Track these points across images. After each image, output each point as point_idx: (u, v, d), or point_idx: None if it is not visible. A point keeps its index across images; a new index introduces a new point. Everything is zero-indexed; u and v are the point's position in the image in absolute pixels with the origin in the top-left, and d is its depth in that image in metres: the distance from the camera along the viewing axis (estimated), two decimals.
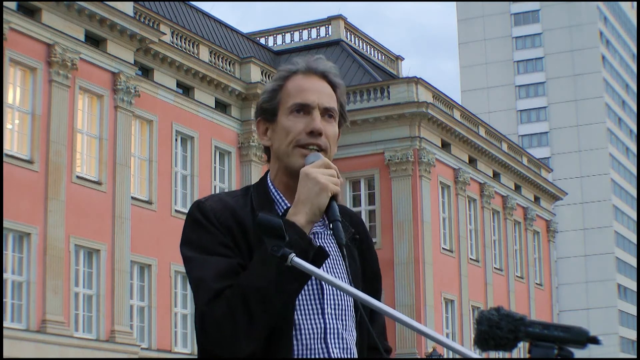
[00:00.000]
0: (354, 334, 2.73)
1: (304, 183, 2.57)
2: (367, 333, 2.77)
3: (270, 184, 2.77)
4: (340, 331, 2.67)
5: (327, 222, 2.73)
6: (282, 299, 2.51)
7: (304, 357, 2.62)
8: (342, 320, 2.69)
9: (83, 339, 27.36)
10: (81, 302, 27.90)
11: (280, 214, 2.70)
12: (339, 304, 2.69)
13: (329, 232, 2.75)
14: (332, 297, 2.68)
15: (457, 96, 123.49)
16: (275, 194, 2.75)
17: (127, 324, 28.88)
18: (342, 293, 2.69)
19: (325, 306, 2.66)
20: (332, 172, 2.60)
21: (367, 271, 2.83)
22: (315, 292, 2.66)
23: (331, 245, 2.74)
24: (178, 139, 33.24)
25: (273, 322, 2.54)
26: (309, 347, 2.62)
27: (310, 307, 2.65)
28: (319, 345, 2.63)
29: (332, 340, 2.65)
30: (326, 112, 2.74)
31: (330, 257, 2.70)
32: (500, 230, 46.79)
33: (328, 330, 2.65)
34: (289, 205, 2.71)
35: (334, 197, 2.58)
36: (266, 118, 2.78)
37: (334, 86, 2.78)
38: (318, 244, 2.55)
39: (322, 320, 2.65)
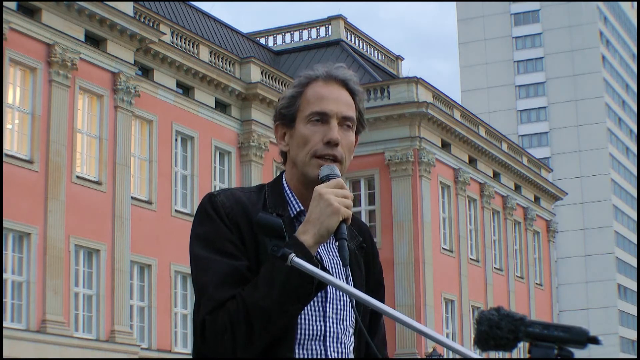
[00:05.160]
0: (352, 339, 2.75)
1: (316, 203, 2.56)
2: (365, 343, 2.79)
3: (285, 185, 2.78)
4: (339, 335, 2.70)
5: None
6: (284, 320, 2.53)
7: (301, 358, 2.64)
8: (342, 325, 2.71)
9: (83, 339, 27.36)
10: (81, 302, 27.90)
11: (293, 215, 2.73)
12: (340, 309, 2.71)
13: (335, 241, 2.75)
14: (334, 301, 2.70)
15: (457, 96, 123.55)
16: (290, 195, 2.76)
17: (127, 324, 28.88)
18: (344, 298, 2.71)
19: (327, 310, 2.68)
20: (346, 194, 2.58)
21: (370, 280, 2.84)
22: (319, 295, 2.67)
23: (336, 254, 2.75)
24: (178, 139, 33.24)
25: (273, 338, 2.56)
26: (306, 347, 2.64)
27: (312, 309, 2.66)
28: (318, 347, 2.65)
29: (331, 344, 2.67)
30: (344, 122, 2.73)
31: (335, 265, 2.74)
32: (500, 230, 46.79)
33: (328, 334, 2.67)
34: (302, 208, 2.73)
35: (344, 221, 2.57)
36: (284, 123, 2.78)
37: (353, 94, 2.78)
38: (323, 269, 2.53)
39: (322, 323, 2.67)
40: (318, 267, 2.48)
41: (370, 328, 2.80)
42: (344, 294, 2.71)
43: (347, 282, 2.67)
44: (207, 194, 2.72)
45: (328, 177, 2.64)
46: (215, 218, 2.64)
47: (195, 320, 2.62)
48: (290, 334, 2.60)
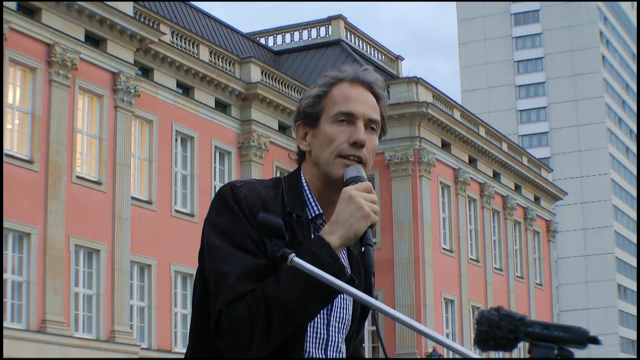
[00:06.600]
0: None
1: (345, 204, 2.52)
2: (348, 344, 2.78)
3: (305, 184, 2.73)
4: (339, 343, 2.71)
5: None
6: (303, 317, 2.51)
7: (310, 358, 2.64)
8: (342, 334, 2.72)
9: (83, 339, 27.37)
10: (81, 302, 27.91)
11: (310, 217, 2.68)
12: (343, 317, 2.71)
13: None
14: (339, 310, 2.70)
15: (457, 96, 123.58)
16: (310, 196, 2.71)
17: (127, 324, 28.88)
18: (347, 307, 2.72)
19: (332, 318, 2.69)
20: (374, 199, 2.56)
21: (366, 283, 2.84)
22: None
23: (342, 256, 2.72)
24: (178, 139, 33.25)
25: (288, 335, 2.54)
26: (309, 354, 2.64)
27: (318, 317, 2.65)
28: (319, 354, 2.66)
29: (332, 351, 2.68)
30: (369, 124, 2.70)
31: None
32: (500, 230, 46.80)
33: (330, 342, 2.68)
34: (320, 211, 2.69)
35: (370, 226, 2.55)
36: (307, 123, 2.74)
37: (378, 98, 2.75)
38: (350, 273, 2.52)
39: (326, 331, 2.67)
40: (345, 270, 2.47)
41: (357, 329, 2.81)
42: (347, 304, 2.71)
43: (371, 290, 2.62)
44: (229, 184, 2.65)
45: (355, 179, 2.60)
46: (237, 211, 2.58)
47: (208, 310, 2.56)
48: (300, 340, 2.60)
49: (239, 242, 2.55)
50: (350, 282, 2.47)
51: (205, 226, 2.64)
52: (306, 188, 2.72)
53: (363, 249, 2.55)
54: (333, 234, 2.51)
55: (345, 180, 2.62)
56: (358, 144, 2.66)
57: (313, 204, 2.70)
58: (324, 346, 2.66)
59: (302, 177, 2.74)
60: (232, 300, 2.48)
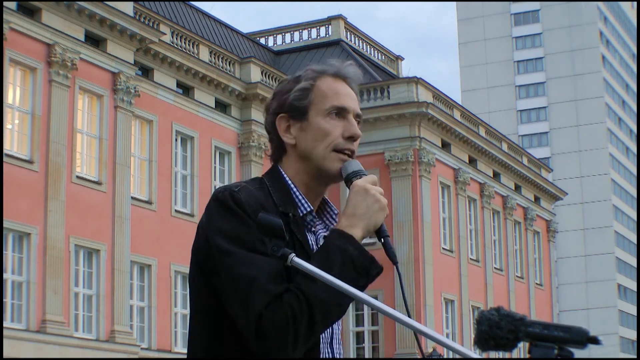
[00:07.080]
0: None
1: (362, 197, 2.56)
2: None
3: (290, 182, 2.72)
4: (339, 336, 2.73)
5: (323, 219, 2.77)
6: (338, 312, 2.51)
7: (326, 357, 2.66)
8: (340, 327, 2.73)
9: (83, 339, 27.37)
10: (81, 302, 27.91)
11: (302, 215, 2.68)
12: None
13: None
14: None
15: (457, 96, 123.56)
16: (297, 193, 2.70)
17: (127, 324, 28.89)
18: None
19: None
20: (382, 192, 2.60)
21: None
22: None
23: None
24: (178, 139, 33.25)
25: (323, 333, 2.55)
26: (317, 351, 2.64)
27: None
28: (326, 350, 2.66)
29: (336, 345, 2.70)
30: (356, 118, 2.75)
31: None
32: (500, 230, 46.80)
33: (334, 336, 2.69)
34: (311, 207, 2.69)
35: None
36: (294, 116, 2.73)
37: (355, 93, 2.80)
38: (380, 264, 2.54)
39: (329, 327, 2.66)
40: (376, 260, 2.50)
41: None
42: None
43: (401, 281, 2.67)
44: (225, 189, 2.61)
45: (358, 173, 2.63)
46: (243, 215, 2.55)
47: (238, 313, 2.50)
48: (318, 340, 2.61)
49: (254, 246, 2.52)
50: (379, 272, 2.50)
51: (208, 233, 2.59)
52: (292, 185, 2.71)
53: (382, 241, 2.57)
54: (354, 227, 2.53)
55: (347, 174, 2.64)
56: (354, 138, 2.70)
57: (303, 201, 2.69)
58: (329, 340, 2.67)
59: (284, 174, 2.73)
60: (271, 302, 2.44)
